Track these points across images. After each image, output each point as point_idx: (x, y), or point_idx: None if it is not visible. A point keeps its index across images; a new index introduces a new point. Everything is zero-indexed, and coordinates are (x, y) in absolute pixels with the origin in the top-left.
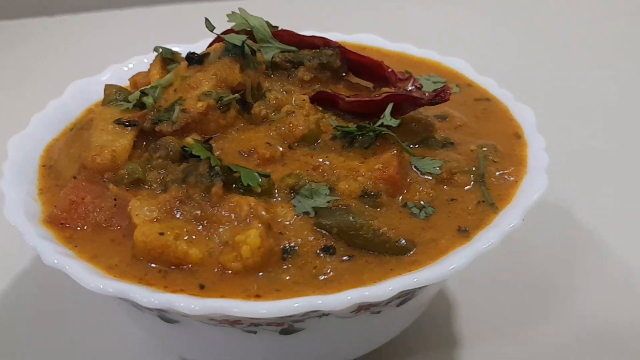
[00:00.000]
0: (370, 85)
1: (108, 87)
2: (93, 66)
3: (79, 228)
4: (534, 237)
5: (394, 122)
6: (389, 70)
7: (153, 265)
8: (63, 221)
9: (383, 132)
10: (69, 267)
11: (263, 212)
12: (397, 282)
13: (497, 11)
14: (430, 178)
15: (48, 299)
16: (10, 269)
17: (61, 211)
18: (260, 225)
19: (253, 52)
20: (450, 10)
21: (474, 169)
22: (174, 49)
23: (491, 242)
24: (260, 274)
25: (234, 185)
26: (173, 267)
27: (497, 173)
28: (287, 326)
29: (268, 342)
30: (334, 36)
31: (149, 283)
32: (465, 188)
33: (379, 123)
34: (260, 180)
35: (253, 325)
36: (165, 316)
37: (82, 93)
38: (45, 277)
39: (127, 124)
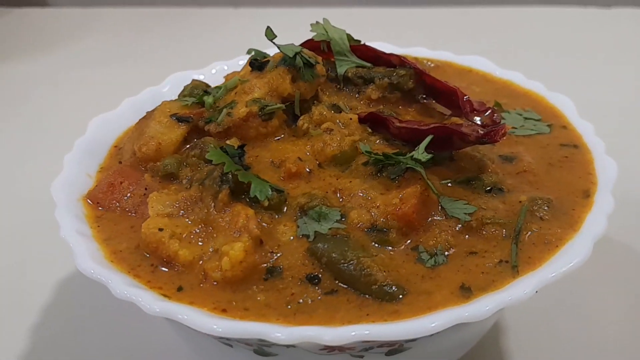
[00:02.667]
0: (448, 112)
1: (193, 82)
2: (195, 60)
3: (111, 209)
4: None
5: (423, 157)
6: (465, 98)
7: (150, 258)
8: (99, 201)
9: (408, 165)
10: (73, 244)
11: (254, 227)
12: (349, 330)
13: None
14: (458, 224)
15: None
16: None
17: (99, 191)
18: (248, 239)
19: (310, 64)
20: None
21: (508, 221)
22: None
23: (487, 308)
24: (239, 288)
25: (244, 195)
26: (165, 263)
27: (538, 232)
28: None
29: None
30: (443, 55)
31: (136, 275)
32: (493, 243)
33: (409, 155)
34: (270, 194)
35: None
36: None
37: (179, 83)
38: None
39: (181, 119)
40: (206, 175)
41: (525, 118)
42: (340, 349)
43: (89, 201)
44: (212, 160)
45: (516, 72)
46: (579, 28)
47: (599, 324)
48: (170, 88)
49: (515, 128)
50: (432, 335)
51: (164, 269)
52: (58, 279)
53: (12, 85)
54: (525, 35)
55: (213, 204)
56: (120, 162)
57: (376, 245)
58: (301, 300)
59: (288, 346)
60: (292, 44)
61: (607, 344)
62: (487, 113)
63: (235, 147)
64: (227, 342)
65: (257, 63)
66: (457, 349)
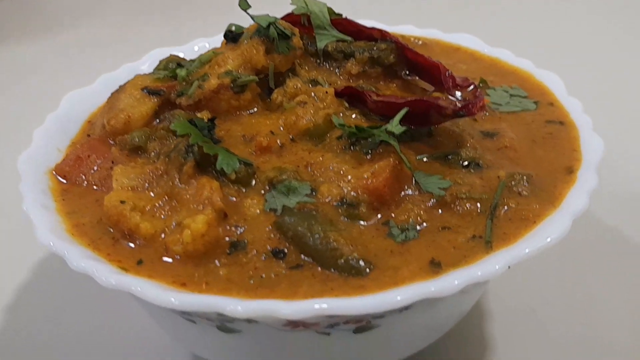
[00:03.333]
0: (431, 88)
1: (169, 56)
2: (182, 39)
3: (78, 183)
4: None
5: (397, 129)
6: (447, 73)
7: (112, 232)
8: (66, 174)
9: (381, 138)
10: (34, 217)
11: (218, 199)
12: (309, 304)
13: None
14: (431, 199)
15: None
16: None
17: (66, 165)
18: (211, 211)
19: (285, 35)
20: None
21: (485, 197)
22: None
23: (455, 283)
24: (201, 262)
25: (211, 169)
26: (127, 237)
27: (515, 208)
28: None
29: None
30: (430, 33)
31: (96, 248)
32: (467, 219)
33: (383, 128)
34: (237, 166)
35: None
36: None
37: (158, 60)
38: None
39: (152, 92)
40: (173, 148)
41: (511, 95)
42: (305, 325)
43: (56, 174)
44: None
45: (504, 49)
46: (574, 10)
47: (584, 310)
48: (149, 65)
49: (500, 105)
50: (400, 312)
51: (125, 242)
52: (23, 254)
53: None
54: (518, 16)
55: (178, 176)
56: (88, 136)
57: (346, 219)
58: (264, 275)
59: (250, 322)
60: (267, 14)
61: (592, 330)
62: (470, 89)
63: (206, 120)
64: (189, 317)
65: (231, 35)
66: (431, 331)
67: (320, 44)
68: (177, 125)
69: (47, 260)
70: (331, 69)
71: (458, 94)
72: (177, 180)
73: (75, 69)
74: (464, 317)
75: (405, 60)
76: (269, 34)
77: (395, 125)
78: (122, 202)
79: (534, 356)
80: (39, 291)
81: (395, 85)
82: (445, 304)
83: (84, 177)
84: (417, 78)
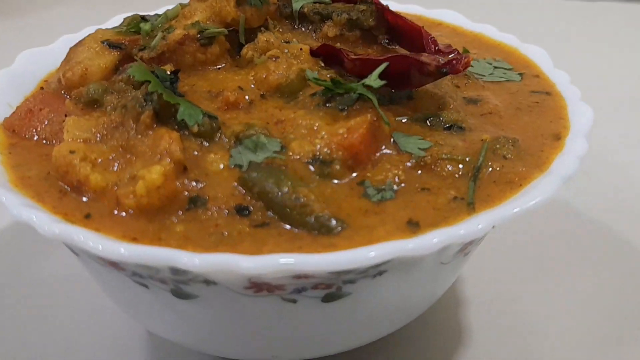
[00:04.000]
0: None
1: (134, 15)
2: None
3: (28, 138)
4: None
5: (376, 83)
6: (430, 38)
7: (64, 186)
8: (16, 128)
9: (358, 92)
10: None
11: (178, 150)
12: (273, 259)
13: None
14: (410, 160)
15: None
16: None
17: (16, 118)
18: (169, 163)
19: None
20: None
21: (468, 159)
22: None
23: (434, 241)
24: (155, 218)
25: (173, 120)
26: (76, 190)
27: (500, 170)
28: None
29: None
30: (411, 9)
31: (41, 200)
32: (449, 180)
33: (360, 82)
34: (200, 118)
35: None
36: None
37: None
38: None
39: (112, 45)
40: (130, 99)
41: (495, 67)
42: (269, 288)
43: (4, 128)
44: (141, 86)
45: (488, 25)
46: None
47: (562, 300)
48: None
49: (484, 75)
50: (373, 277)
51: (74, 196)
52: None
53: None
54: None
55: (134, 127)
56: (42, 89)
57: (318, 177)
58: (226, 233)
59: (208, 284)
60: None
61: (571, 319)
62: (453, 55)
63: (168, 73)
64: (141, 280)
65: None
66: (405, 310)
67: (296, 5)
68: (135, 71)
69: None
70: (307, 31)
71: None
72: (133, 131)
73: (36, 31)
74: (440, 303)
75: (386, 23)
76: None
77: (374, 79)
78: (72, 152)
79: (510, 344)
80: None
81: (374, 50)
82: (423, 273)
83: (34, 131)
84: (397, 46)
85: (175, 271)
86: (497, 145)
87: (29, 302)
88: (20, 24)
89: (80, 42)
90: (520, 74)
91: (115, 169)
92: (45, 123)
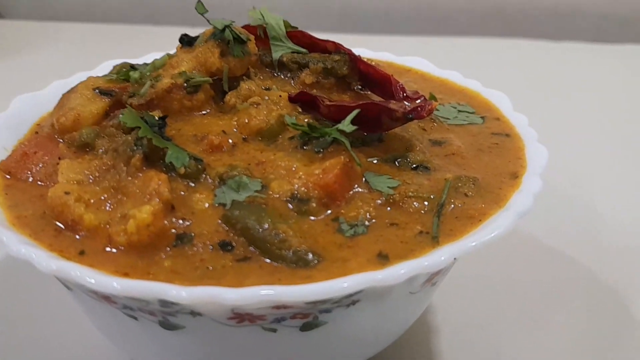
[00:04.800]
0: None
1: (123, 63)
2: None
3: (23, 179)
4: None
5: (349, 128)
6: (398, 85)
7: (58, 225)
8: (12, 170)
9: (332, 136)
10: None
11: (166, 191)
12: (254, 290)
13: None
14: (380, 197)
15: None
16: None
17: (12, 161)
18: (158, 203)
19: (241, 40)
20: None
21: (433, 197)
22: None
23: (402, 272)
24: (145, 254)
25: (161, 162)
26: (70, 228)
27: (462, 207)
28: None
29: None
30: (384, 56)
31: (37, 238)
32: (415, 216)
33: (334, 127)
34: (187, 161)
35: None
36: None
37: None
38: None
39: (103, 92)
40: (121, 143)
41: (459, 110)
42: (250, 318)
43: (0, 171)
44: (131, 131)
45: (453, 71)
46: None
47: (532, 327)
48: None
49: (448, 119)
50: (347, 307)
51: (68, 234)
52: None
53: None
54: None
55: (125, 169)
56: (36, 133)
57: (296, 215)
58: (210, 267)
59: (194, 315)
60: (224, 18)
61: (539, 346)
62: (419, 101)
63: (157, 118)
64: (131, 313)
65: (187, 38)
66: (378, 337)
67: (276, 55)
68: (126, 117)
69: None
70: (286, 79)
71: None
72: (124, 173)
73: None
74: (411, 331)
75: (358, 72)
76: (224, 37)
77: (347, 125)
78: (67, 193)
79: None
80: None
81: (348, 96)
82: (393, 303)
83: (29, 173)
84: (369, 92)
85: (164, 303)
86: (459, 184)
87: (20, 333)
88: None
89: (72, 89)
90: (483, 117)
91: (108, 208)
92: (40, 165)
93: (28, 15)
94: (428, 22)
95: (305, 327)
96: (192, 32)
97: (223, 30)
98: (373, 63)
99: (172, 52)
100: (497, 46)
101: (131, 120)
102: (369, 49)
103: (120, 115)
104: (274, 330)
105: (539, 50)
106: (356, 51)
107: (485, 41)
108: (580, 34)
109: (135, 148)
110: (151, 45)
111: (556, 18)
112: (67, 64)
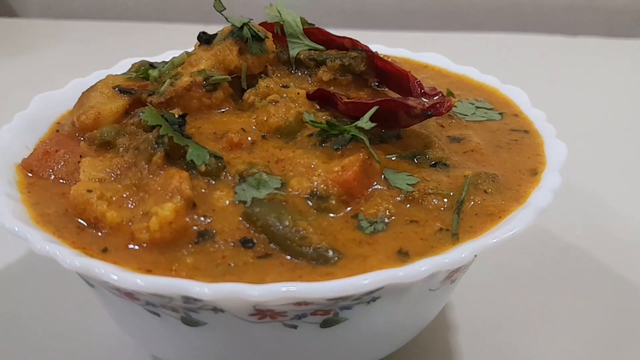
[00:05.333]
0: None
1: (141, 61)
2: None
3: (44, 177)
4: None
5: (367, 125)
6: (416, 81)
7: (81, 222)
8: (34, 168)
9: (351, 133)
10: None
11: (187, 188)
12: (277, 287)
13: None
14: (400, 195)
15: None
16: None
17: (33, 159)
18: (180, 200)
19: (259, 37)
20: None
21: (452, 194)
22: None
23: (422, 269)
24: (167, 251)
25: (182, 160)
26: (93, 226)
27: (481, 204)
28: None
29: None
30: (400, 52)
31: (61, 236)
32: (435, 213)
33: (353, 124)
34: (207, 158)
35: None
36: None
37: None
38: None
39: (123, 90)
40: (142, 141)
41: (477, 107)
42: (272, 315)
43: (23, 169)
44: (151, 129)
45: (471, 67)
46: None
47: (550, 325)
48: (122, 72)
49: (466, 115)
50: (368, 304)
51: (91, 231)
52: None
53: None
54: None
55: (147, 167)
56: (57, 131)
57: (315, 212)
58: (232, 264)
59: (216, 311)
60: (242, 16)
61: (556, 344)
62: (437, 97)
63: (177, 117)
64: (153, 309)
65: (205, 36)
66: (398, 334)
67: (293, 52)
68: (147, 115)
69: (9, 266)
70: (303, 76)
71: (426, 101)
72: (145, 171)
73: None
74: (430, 328)
75: (375, 68)
76: (242, 34)
77: (365, 122)
78: (89, 191)
79: None
80: None
81: (365, 93)
82: (413, 299)
83: (51, 171)
84: (386, 89)
85: (187, 300)
86: (479, 181)
87: (41, 327)
88: (20, 63)
89: (92, 87)
90: (501, 113)
91: (130, 206)
92: (61, 164)
93: (43, 13)
94: (443, 17)
95: (326, 324)
96: (207, 29)
97: (241, 28)
98: (389, 59)
99: (188, 49)
100: (513, 41)
101: (152, 119)
102: (385, 45)
103: (141, 114)
104: (295, 327)
105: (555, 45)
106: (372, 47)
107: (501, 36)
108: (595, 28)
109: (156, 146)
110: (166, 43)
111: (572, 12)
112: (82, 62)
